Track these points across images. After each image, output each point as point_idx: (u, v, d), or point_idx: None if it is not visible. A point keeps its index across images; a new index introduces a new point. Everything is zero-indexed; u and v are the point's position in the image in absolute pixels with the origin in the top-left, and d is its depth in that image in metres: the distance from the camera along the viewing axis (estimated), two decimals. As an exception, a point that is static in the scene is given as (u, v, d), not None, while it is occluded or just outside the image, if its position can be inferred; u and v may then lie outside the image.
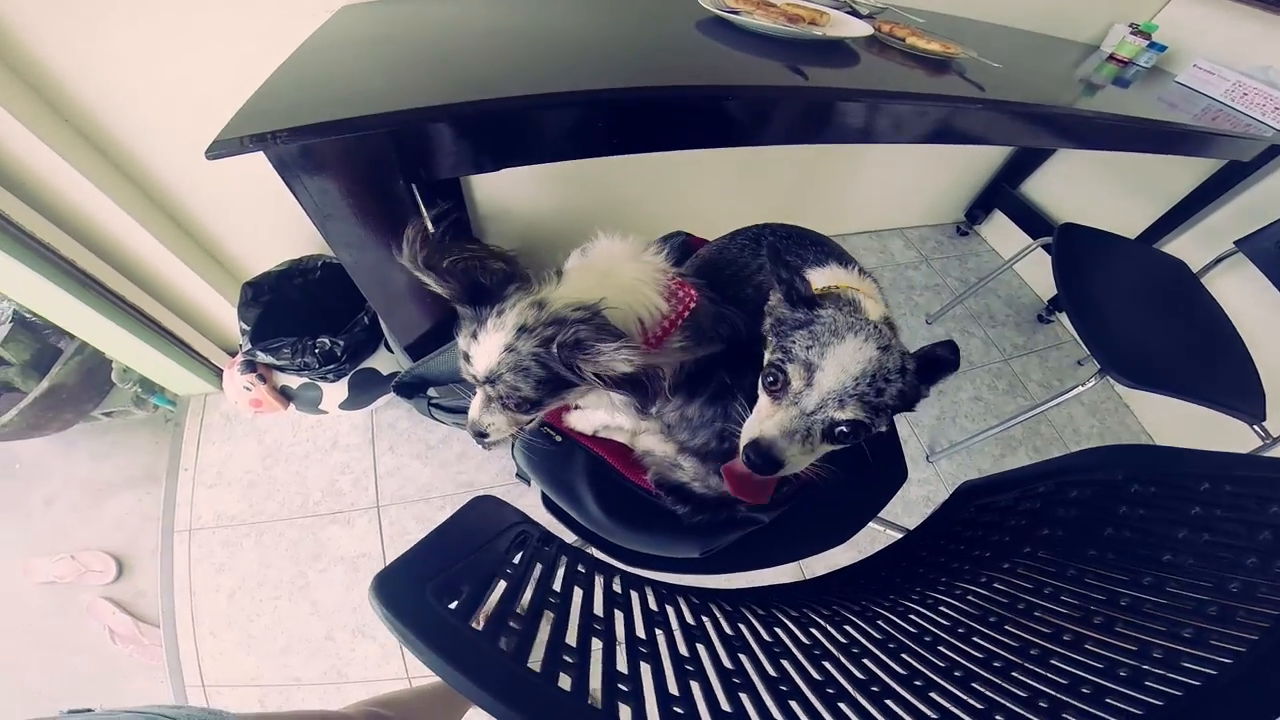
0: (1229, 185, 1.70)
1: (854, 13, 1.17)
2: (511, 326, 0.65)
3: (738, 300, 0.82)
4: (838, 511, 1.02)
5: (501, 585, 0.44)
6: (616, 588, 0.54)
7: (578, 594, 0.50)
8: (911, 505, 1.80)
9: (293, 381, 1.49)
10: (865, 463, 1.04)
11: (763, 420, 0.64)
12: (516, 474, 1.14)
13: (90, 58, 1.09)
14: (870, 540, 0.99)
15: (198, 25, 1.10)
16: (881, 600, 0.66)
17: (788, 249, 0.84)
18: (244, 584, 1.54)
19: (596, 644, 0.45)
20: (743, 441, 0.65)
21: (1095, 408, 2.17)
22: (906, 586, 0.71)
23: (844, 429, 0.60)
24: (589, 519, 0.94)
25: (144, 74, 1.14)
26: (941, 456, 1.91)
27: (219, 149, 0.64)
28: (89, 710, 0.63)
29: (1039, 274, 2.49)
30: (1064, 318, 2.41)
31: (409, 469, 1.72)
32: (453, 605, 0.36)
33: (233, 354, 1.76)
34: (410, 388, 1.18)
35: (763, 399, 0.67)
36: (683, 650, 0.46)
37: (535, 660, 0.38)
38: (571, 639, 0.41)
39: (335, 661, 1.46)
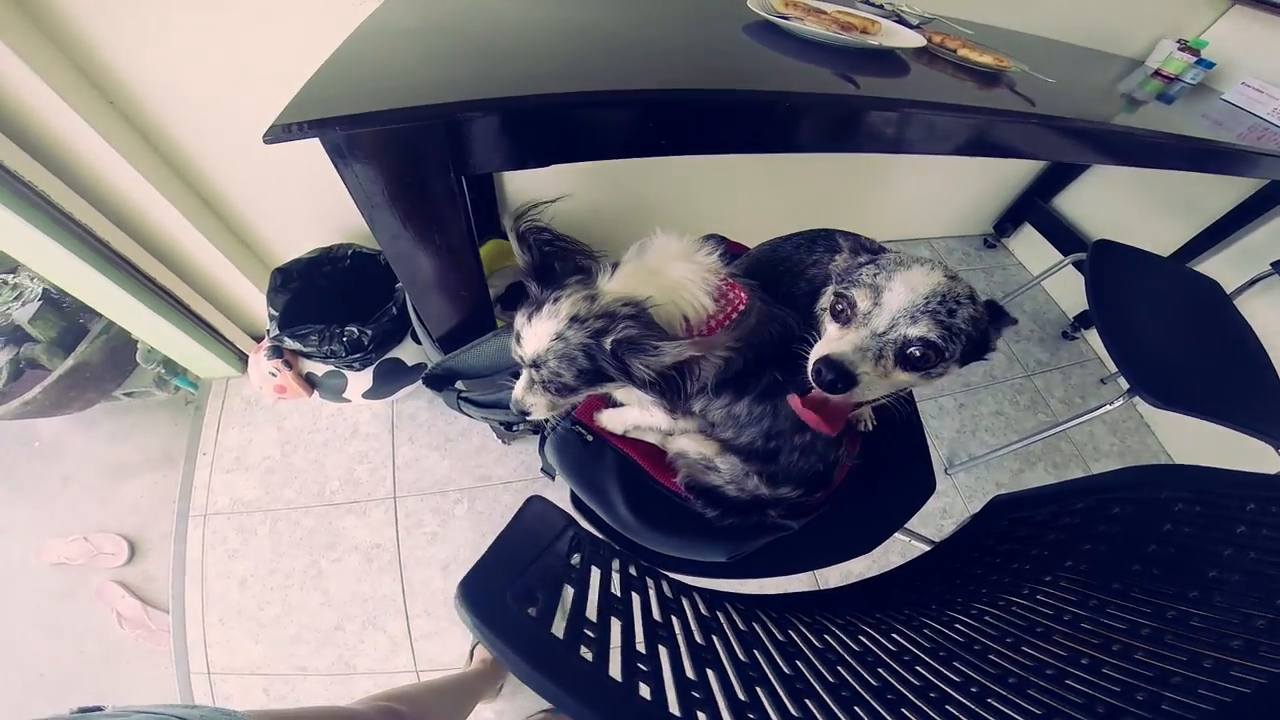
0: (1269, 205, 1.68)
1: (902, 21, 1.16)
2: (565, 316, 0.67)
3: (790, 296, 0.82)
4: (864, 520, 1.01)
5: (570, 591, 0.43)
6: (667, 592, 0.54)
7: (635, 599, 0.49)
8: (928, 517, 1.78)
9: (318, 369, 1.49)
10: (892, 467, 1.05)
11: (832, 342, 0.62)
12: (542, 468, 1.14)
13: (137, 40, 1.09)
14: (884, 550, 0.98)
15: (245, 8, 1.10)
16: (925, 609, 0.66)
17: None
18: (256, 571, 1.54)
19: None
20: (811, 360, 0.62)
21: (1116, 426, 2.15)
22: (948, 596, 0.70)
23: (916, 350, 0.58)
24: (617, 520, 0.94)
25: (190, 59, 1.14)
26: (960, 469, 1.90)
27: (276, 134, 0.62)
28: (100, 709, 0.63)
29: (1065, 290, 2.47)
30: (1089, 335, 2.40)
31: (427, 460, 1.72)
32: (532, 612, 0.35)
33: (257, 339, 1.77)
34: (440, 380, 1.18)
35: (830, 327, 0.65)
36: (741, 657, 0.46)
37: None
38: (640, 645, 0.41)
39: (344, 653, 1.46)
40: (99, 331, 1.65)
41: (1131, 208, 2.18)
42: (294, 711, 0.85)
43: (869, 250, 0.68)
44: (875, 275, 0.61)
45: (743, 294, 0.76)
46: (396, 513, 1.63)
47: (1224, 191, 1.82)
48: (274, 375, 1.47)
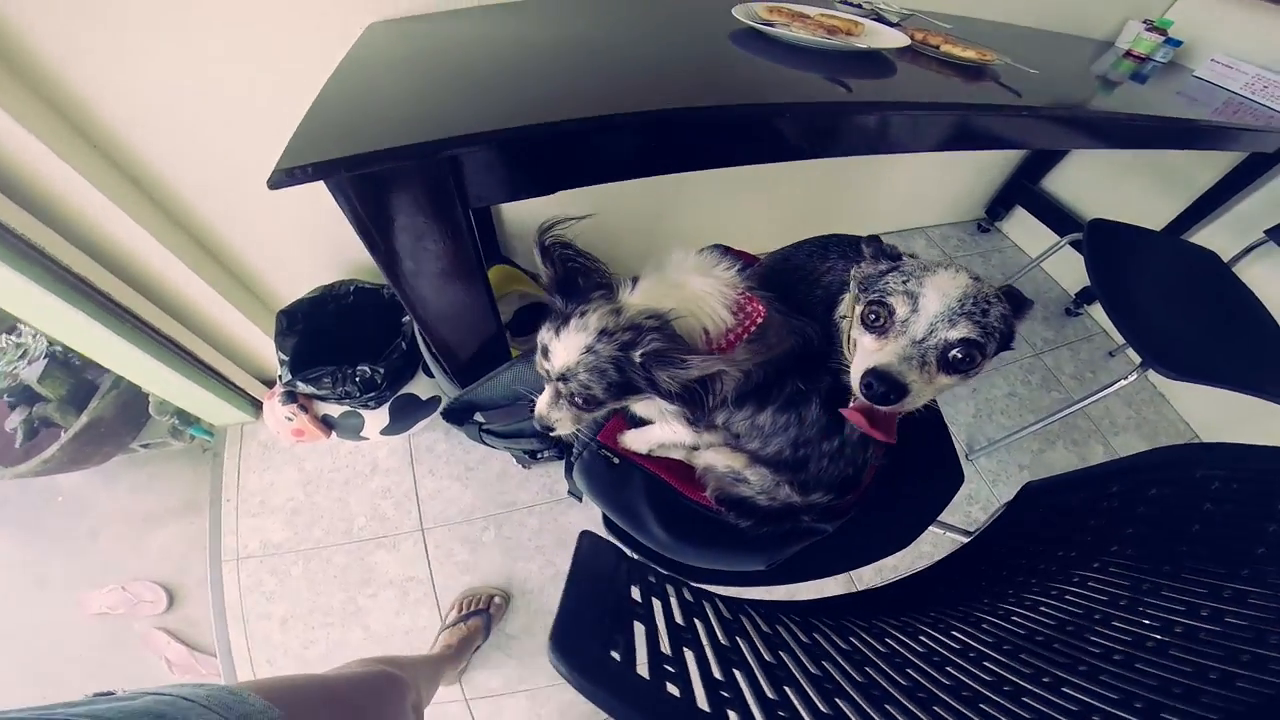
0: (1253, 176, 1.70)
1: (881, 19, 1.18)
2: (593, 329, 0.67)
3: (807, 303, 0.83)
4: (897, 517, 1.01)
5: (640, 628, 0.44)
6: (725, 613, 0.54)
7: (699, 625, 0.50)
8: (955, 506, 1.76)
9: (334, 410, 1.49)
10: (918, 462, 1.05)
11: (873, 354, 0.62)
12: (569, 490, 1.14)
13: (118, 82, 1.07)
14: (915, 542, 0.98)
15: (225, 49, 1.08)
16: (978, 604, 0.66)
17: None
18: (295, 611, 1.55)
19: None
20: (855, 376, 0.63)
21: (1131, 399, 2.16)
22: (998, 589, 0.71)
23: (958, 353, 0.59)
24: (652, 539, 0.94)
25: (173, 98, 1.12)
26: (980, 454, 1.90)
27: (279, 178, 0.60)
28: (112, 693, 0.64)
29: (1064, 267, 2.48)
30: (1092, 310, 2.42)
31: (450, 491, 1.72)
32: (615, 655, 0.36)
33: (268, 382, 1.77)
34: (459, 413, 1.18)
35: (865, 340, 0.66)
36: (812, 670, 0.46)
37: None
38: (716, 672, 0.41)
39: (387, 687, 1.45)
40: (109, 386, 1.65)
41: (1119, 184, 2.20)
42: (297, 678, 0.85)
43: (889, 257, 0.69)
44: (905, 283, 0.62)
45: (760, 307, 0.76)
46: (426, 544, 1.63)
47: (1208, 164, 1.84)
48: (290, 420, 1.47)
